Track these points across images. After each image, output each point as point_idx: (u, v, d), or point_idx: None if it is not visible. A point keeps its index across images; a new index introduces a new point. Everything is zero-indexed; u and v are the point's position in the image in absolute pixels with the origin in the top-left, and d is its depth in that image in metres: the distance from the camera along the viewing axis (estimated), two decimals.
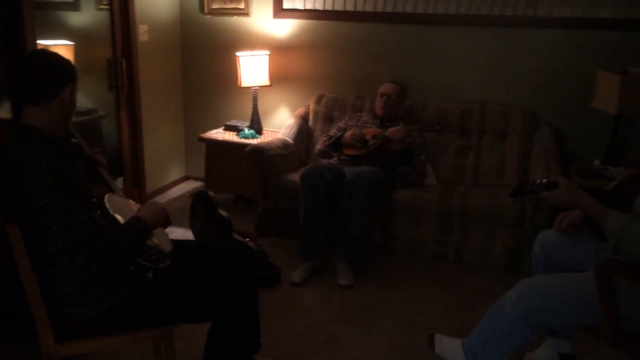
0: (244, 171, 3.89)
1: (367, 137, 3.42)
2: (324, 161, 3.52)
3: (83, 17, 3.85)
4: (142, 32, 4.01)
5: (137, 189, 4.01)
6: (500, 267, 3.23)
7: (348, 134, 3.47)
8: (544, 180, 2.00)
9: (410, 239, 3.38)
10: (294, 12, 4.08)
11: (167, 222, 1.96)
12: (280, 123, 4.24)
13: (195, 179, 4.66)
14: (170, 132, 4.49)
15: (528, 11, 3.57)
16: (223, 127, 4.23)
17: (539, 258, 2.25)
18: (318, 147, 3.66)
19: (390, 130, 3.32)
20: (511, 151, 3.56)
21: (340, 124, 3.71)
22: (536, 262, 2.27)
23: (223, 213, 3.16)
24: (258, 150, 3.52)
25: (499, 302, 2.03)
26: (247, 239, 3.15)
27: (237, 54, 3.99)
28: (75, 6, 3.84)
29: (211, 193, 3.22)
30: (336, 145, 3.53)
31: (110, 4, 3.81)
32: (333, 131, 3.67)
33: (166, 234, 2.06)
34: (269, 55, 4.04)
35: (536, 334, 1.96)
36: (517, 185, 2.13)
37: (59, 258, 1.68)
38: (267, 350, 2.40)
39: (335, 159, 3.54)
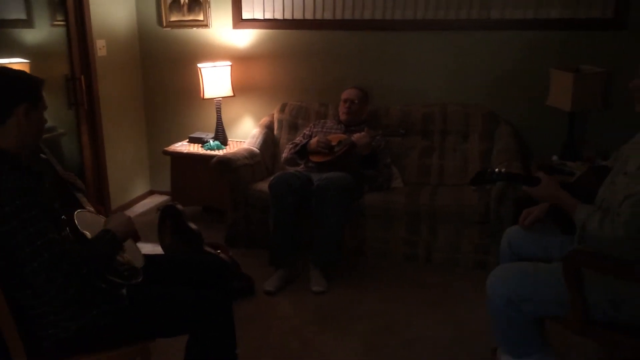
0: (211, 183, 3.88)
1: (333, 143, 3.46)
2: (292, 169, 3.54)
3: (37, 34, 3.79)
4: (100, 47, 3.96)
5: (101, 205, 3.94)
6: (469, 264, 3.31)
7: (313, 140, 3.50)
8: (503, 170, 2.13)
9: (381, 242, 3.42)
10: (253, 22, 4.10)
11: (136, 234, 1.96)
12: (245, 133, 4.24)
13: (161, 193, 4.61)
14: (133, 146, 4.44)
15: (482, 14, 3.67)
16: (187, 140, 4.20)
17: (506, 254, 2.32)
18: (284, 155, 3.67)
19: (355, 135, 3.36)
20: (473, 150, 3.65)
21: (305, 131, 3.74)
22: (504, 258, 2.33)
23: (193, 226, 3.14)
24: (225, 161, 3.52)
25: (488, 300, 2.08)
26: (218, 251, 3.13)
27: (199, 65, 3.98)
28: (28, 23, 3.77)
29: (179, 206, 3.20)
30: (302, 152, 3.56)
31: (66, 19, 3.76)
32: (299, 139, 3.69)
33: (138, 249, 2.04)
34: (231, 65, 4.04)
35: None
36: (477, 173, 2.23)
37: (35, 279, 1.65)
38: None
39: (302, 166, 3.56)
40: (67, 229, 1.86)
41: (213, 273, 2.23)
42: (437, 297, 3.06)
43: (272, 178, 3.32)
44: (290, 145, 3.64)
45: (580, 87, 3.25)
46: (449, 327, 2.76)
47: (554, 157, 3.48)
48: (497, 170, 2.13)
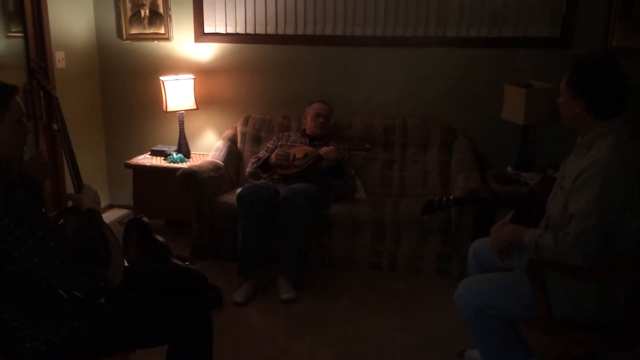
0: (174, 195, 3.86)
1: (298, 156, 3.52)
2: (257, 182, 3.58)
3: None
4: (59, 59, 3.91)
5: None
6: (432, 271, 3.42)
7: (273, 154, 3.55)
8: (450, 197, 2.36)
9: (347, 251, 3.50)
10: (215, 36, 4.13)
11: None
12: (208, 146, 4.25)
13: (120, 206, 4.55)
14: (91, 160, 4.37)
15: (438, 32, 3.83)
16: (149, 153, 4.17)
17: (473, 265, 2.46)
18: (248, 169, 3.71)
19: (323, 149, 3.44)
20: (432, 162, 3.78)
21: (268, 144, 3.78)
22: (470, 268, 2.48)
23: (159, 238, 3.13)
24: (190, 173, 3.52)
25: (460, 315, 2.20)
26: (187, 263, 3.13)
27: (162, 78, 3.98)
28: None
29: (145, 219, 3.18)
30: (265, 166, 3.61)
31: (24, 31, 3.69)
32: (262, 152, 3.74)
33: (123, 263, 2.04)
34: (194, 79, 4.06)
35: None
36: (426, 203, 2.39)
37: (48, 283, 1.64)
38: None
39: (266, 179, 3.60)
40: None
41: (186, 284, 2.26)
42: (402, 303, 3.15)
43: (240, 190, 3.36)
44: (254, 160, 3.69)
45: (532, 102, 3.43)
46: (416, 332, 2.86)
47: (509, 168, 3.65)
48: (444, 198, 2.35)
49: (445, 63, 3.87)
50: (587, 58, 2.02)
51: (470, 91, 3.87)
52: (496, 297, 2.09)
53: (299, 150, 3.58)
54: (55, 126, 2.11)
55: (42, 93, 3.69)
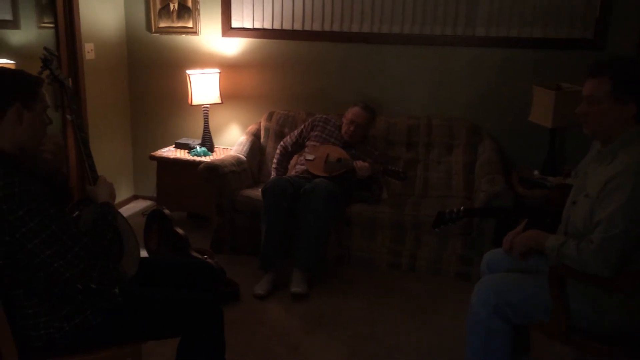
0: (197, 188, 3.89)
1: (332, 158, 3.46)
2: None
3: (24, 35, 3.77)
4: (89, 50, 3.96)
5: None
6: (452, 274, 3.37)
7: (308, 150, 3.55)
8: (462, 208, 2.31)
9: (365, 250, 3.47)
10: (242, 31, 4.14)
11: None
12: (232, 140, 4.26)
13: (145, 197, 4.60)
14: (118, 151, 4.43)
15: (467, 31, 3.77)
16: (174, 145, 4.21)
17: (485, 274, 2.34)
18: (275, 164, 3.77)
19: (358, 164, 3.35)
20: (457, 163, 3.73)
21: (302, 127, 3.75)
22: (482, 276, 2.35)
23: (179, 231, 3.15)
24: (212, 167, 3.54)
25: (470, 312, 2.12)
26: (205, 256, 3.15)
27: (188, 72, 4.00)
28: (14, 24, 3.76)
29: (167, 211, 3.21)
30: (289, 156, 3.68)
31: (55, 22, 3.75)
32: (293, 135, 3.75)
33: (139, 254, 2.05)
34: (220, 73, 4.07)
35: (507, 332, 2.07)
36: (436, 217, 2.36)
37: (60, 275, 1.67)
38: None
39: (294, 172, 3.58)
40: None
41: (203, 277, 2.26)
42: (419, 305, 3.11)
43: (265, 183, 3.36)
44: (279, 152, 3.74)
45: (561, 105, 3.35)
46: (431, 335, 2.82)
47: (536, 172, 3.57)
48: (455, 210, 2.31)
49: (473, 63, 3.80)
50: (629, 62, 1.94)
51: (497, 92, 3.80)
52: (519, 297, 2.02)
53: (334, 151, 3.50)
54: (69, 117, 2.09)
55: (70, 82, 3.79)
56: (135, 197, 4.64)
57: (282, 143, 3.78)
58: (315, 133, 3.69)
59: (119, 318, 1.86)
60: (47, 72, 2.03)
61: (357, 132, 3.58)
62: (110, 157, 4.31)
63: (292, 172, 3.62)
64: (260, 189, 3.71)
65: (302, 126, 3.77)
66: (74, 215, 1.90)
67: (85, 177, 2.03)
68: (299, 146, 3.74)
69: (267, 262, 3.23)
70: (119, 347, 1.89)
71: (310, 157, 3.53)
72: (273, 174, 3.73)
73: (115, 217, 1.88)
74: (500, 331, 2.04)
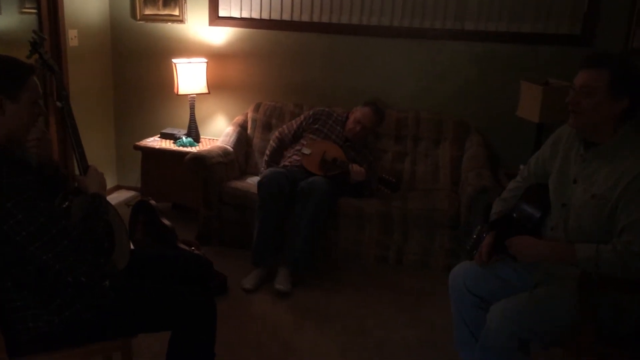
0: (182, 179, 3.84)
1: (328, 157, 3.42)
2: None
3: (5, 21, 3.66)
4: (72, 36, 3.88)
5: None
6: (439, 268, 3.38)
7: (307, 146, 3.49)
8: (477, 229, 2.21)
9: (353, 243, 3.46)
10: (229, 20, 4.08)
11: None
12: (218, 131, 4.22)
13: (128, 188, 4.53)
14: (101, 140, 4.35)
15: (456, 25, 3.77)
16: (159, 135, 4.15)
17: (463, 295, 2.23)
18: (266, 157, 3.71)
19: (353, 168, 3.32)
20: (444, 157, 3.74)
21: (300, 118, 3.69)
22: (460, 298, 2.25)
23: (166, 222, 3.11)
24: (199, 158, 3.49)
25: (485, 343, 2.01)
26: (192, 248, 3.11)
27: (174, 61, 3.94)
28: None
29: (153, 202, 3.16)
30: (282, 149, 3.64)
31: (38, 7, 3.66)
32: (292, 126, 3.67)
33: (129, 246, 2.01)
34: (207, 63, 4.01)
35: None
36: (468, 250, 2.23)
37: (50, 268, 1.62)
38: (220, 358, 2.39)
39: (289, 160, 3.54)
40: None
41: (192, 269, 2.23)
42: (407, 298, 3.12)
43: (262, 177, 3.31)
44: (274, 144, 3.68)
45: (549, 100, 3.37)
46: (420, 329, 2.83)
47: (521, 167, 3.58)
48: (474, 235, 2.22)
49: (461, 57, 3.81)
50: (624, 57, 1.94)
51: (486, 87, 3.81)
52: (544, 323, 1.91)
53: (332, 150, 3.46)
54: (59, 104, 2.01)
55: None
56: (118, 187, 4.57)
57: (278, 134, 3.68)
58: (316, 126, 3.62)
59: (110, 311, 1.82)
60: (36, 56, 1.97)
61: (362, 133, 3.55)
62: (92, 146, 4.22)
63: (285, 161, 3.56)
64: (247, 180, 3.70)
65: (302, 117, 3.69)
66: (64, 206, 1.85)
67: (66, 166, 1.95)
68: (296, 138, 3.65)
69: (258, 257, 3.21)
70: (109, 341, 1.86)
71: (307, 151, 3.49)
72: (264, 166, 3.67)
73: (107, 209, 1.84)
74: (516, 357, 1.96)
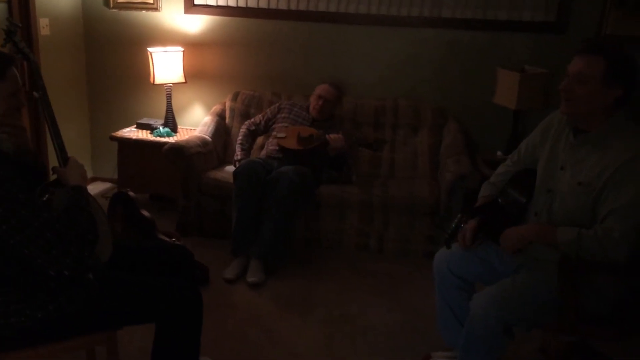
0: (160, 170, 3.80)
1: (304, 134, 3.44)
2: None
3: None
4: (43, 25, 3.78)
5: None
6: (419, 254, 3.41)
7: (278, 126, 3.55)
8: (457, 218, 2.19)
9: (334, 232, 3.47)
10: (206, 8, 4.02)
11: None
12: (196, 121, 4.17)
13: (104, 179, 4.46)
14: (74, 131, 4.26)
15: (433, 12, 3.78)
16: (135, 126, 4.08)
17: (448, 279, 2.27)
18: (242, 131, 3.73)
19: (331, 136, 3.36)
20: (422, 144, 3.76)
21: (267, 111, 3.74)
22: (443, 281, 2.29)
23: (145, 213, 3.07)
24: (177, 148, 3.45)
25: (470, 328, 2.03)
26: (173, 239, 3.09)
27: (149, 49, 3.87)
28: None
29: (131, 193, 3.11)
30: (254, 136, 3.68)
31: None
32: (259, 117, 3.73)
33: (111, 238, 1.98)
34: (183, 51, 3.95)
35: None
36: (446, 238, 2.23)
37: (33, 262, 1.59)
38: (205, 350, 2.37)
39: (266, 151, 3.55)
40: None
41: (176, 261, 2.21)
42: (389, 286, 3.14)
43: (237, 166, 3.30)
44: (244, 130, 3.70)
45: (525, 87, 3.41)
46: (402, 315, 2.86)
47: (499, 153, 3.65)
48: (453, 225, 2.20)
49: (439, 45, 3.82)
50: (619, 45, 1.93)
51: (463, 74, 3.84)
52: (527, 306, 1.94)
53: (305, 130, 3.48)
54: (36, 94, 1.96)
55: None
56: (94, 179, 4.49)
57: (245, 124, 3.75)
58: (283, 115, 3.66)
59: (94, 304, 1.79)
60: (10, 45, 1.91)
61: (325, 107, 3.59)
62: (66, 138, 3.99)
63: (263, 153, 3.56)
64: (225, 169, 3.67)
65: (268, 110, 3.74)
66: (44, 199, 1.81)
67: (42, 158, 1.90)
68: (264, 129, 3.72)
69: (237, 247, 3.20)
70: (94, 335, 1.84)
71: (281, 134, 3.51)
72: (238, 150, 3.66)
73: (89, 201, 1.81)
74: (501, 341, 1.99)
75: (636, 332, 2.01)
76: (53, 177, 1.94)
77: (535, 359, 2.37)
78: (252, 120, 3.76)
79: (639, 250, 1.84)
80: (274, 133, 3.59)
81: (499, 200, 2.20)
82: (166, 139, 3.83)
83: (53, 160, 2.14)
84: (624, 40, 3.44)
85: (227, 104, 4.00)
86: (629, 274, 1.93)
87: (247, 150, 3.68)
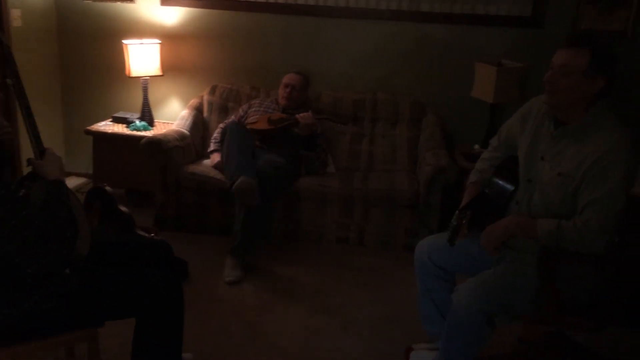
0: (137, 164, 3.75)
1: (273, 118, 3.48)
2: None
3: None
4: (15, 17, 3.68)
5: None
6: (399, 247, 3.43)
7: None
8: (455, 215, 2.13)
9: (315, 225, 3.47)
10: (182, 0, 3.96)
11: None
12: (173, 114, 4.12)
13: (78, 174, 4.37)
14: (47, 125, 4.17)
15: (412, 6, 3.79)
16: (110, 119, 4.01)
17: (429, 269, 2.28)
18: (215, 135, 3.69)
19: (300, 115, 3.42)
20: (401, 137, 3.78)
21: (239, 110, 3.73)
22: (425, 272, 2.30)
23: (123, 208, 3.03)
24: (155, 142, 3.41)
25: (452, 320, 2.05)
26: (152, 234, 3.05)
27: (125, 42, 3.81)
28: None
29: (108, 188, 3.06)
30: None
31: None
32: (231, 118, 3.71)
33: (90, 232, 1.94)
34: (160, 44, 3.89)
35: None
36: (450, 235, 2.13)
37: (10, 260, 1.54)
38: (188, 345, 2.34)
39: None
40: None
41: (156, 255, 2.19)
42: (369, 278, 3.16)
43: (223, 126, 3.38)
44: (220, 130, 3.67)
45: (502, 81, 3.45)
46: (384, 307, 2.88)
47: (476, 146, 3.68)
48: (454, 223, 2.11)
49: (417, 38, 3.83)
50: (600, 36, 1.95)
51: (441, 68, 3.86)
52: (509, 297, 1.97)
53: (275, 115, 3.55)
54: (9, 81, 1.89)
55: None
56: (67, 174, 4.40)
57: (221, 125, 3.71)
58: (254, 109, 3.67)
59: (73, 300, 1.76)
60: None
61: (292, 94, 3.62)
62: (40, 131, 4.05)
63: None
64: (204, 163, 3.64)
65: (240, 109, 3.75)
66: (21, 194, 1.76)
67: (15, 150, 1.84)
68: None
69: (239, 171, 3.09)
70: (74, 332, 1.80)
71: (252, 119, 3.55)
72: (211, 145, 3.65)
73: (68, 196, 1.77)
74: (483, 331, 2.01)
75: (612, 323, 2.06)
76: (28, 169, 1.89)
77: (514, 349, 2.40)
78: (225, 120, 3.75)
79: (616, 241, 1.88)
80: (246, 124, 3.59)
81: (486, 191, 2.22)
82: (143, 133, 3.78)
83: (27, 152, 2.08)
84: (598, 34, 3.50)
85: (205, 98, 3.95)
86: (607, 264, 1.97)
87: (220, 143, 3.63)
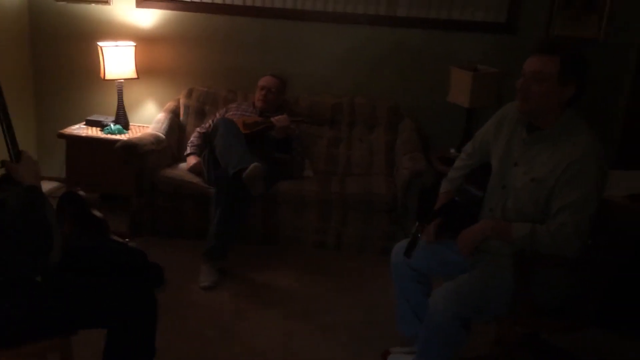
0: (112, 168, 3.69)
1: (248, 122, 3.46)
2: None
3: None
4: None
5: None
6: (377, 250, 3.43)
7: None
8: (415, 227, 2.16)
9: (292, 229, 3.46)
10: (158, 2, 3.92)
11: None
12: (148, 118, 4.07)
13: (50, 179, 4.29)
14: (19, 128, 4.04)
15: (389, 11, 3.81)
16: (84, 123, 3.95)
17: (405, 272, 2.30)
18: (192, 140, 3.68)
19: (275, 118, 3.41)
20: (378, 141, 3.79)
21: (217, 114, 3.70)
22: (401, 274, 2.33)
23: (97, 213, 2.97)
24: (130, 146, 3.36)
25: (429, 323, 2.05)
26: (127, 240, 3.00)
27: (100, 44, 3.75)
28: None
29: (82, 193, 3.01)
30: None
31: None
32: (208, 123, 3.67)
33: (60, 239, 1.89)
34: (135, 46, 3.85)
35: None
36: (406, 248, 2.14)
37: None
38: (162, 353, 2.30)
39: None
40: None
41: (129, 262, 2.15)
42: (347, 282, 3.16)
43: (217, 171, 3.27)
44: (195, 137, 3.67)
45: (478, 85, 3.49)
46: (361, 311, 2.88)
47: (452, 150, 3.71)
48: (413, 231, 2.15)
49: (394, 43, 3.86)
50: (570, 43, 1.99)
51: (417, 73, 3.88)
52: (485, 300, 1.99)
53: (250, 118, 3.53)
54: None
55: None
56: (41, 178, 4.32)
57: (198, 129, 3.71)
58: (231, 113, 3.65)
59: (44, 308, 1.71)
60: None
61: (268, 97, 3.60)
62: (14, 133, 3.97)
63: None
64: (180, 166, 3.61)
65: (217, 113, 3.72)
66: None
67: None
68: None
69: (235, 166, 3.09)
70: (46, 341, 1.76)
71: None
72: (188, 148, 3.64)
73: (44, 203, 1.71)
74: (460, 334, 2.02)
75: (587, 324, 2.09)
76: (1, 171, 1.83)
77: (490, 351, 2.42)
78: (202, 125, 3.75)
79: (589, 243, 1.91)
80: None
81: (456, 198, 2.23)
82: (117, 137, 3.73)
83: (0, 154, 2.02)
84: (571, 41, 3.57)
85: (182, 101, 3.92)
86: (580, 267, 2.00)
87: (197, 146, 3.63)
